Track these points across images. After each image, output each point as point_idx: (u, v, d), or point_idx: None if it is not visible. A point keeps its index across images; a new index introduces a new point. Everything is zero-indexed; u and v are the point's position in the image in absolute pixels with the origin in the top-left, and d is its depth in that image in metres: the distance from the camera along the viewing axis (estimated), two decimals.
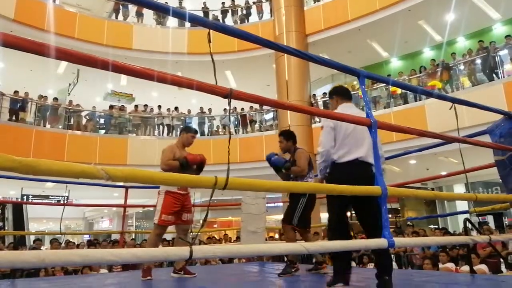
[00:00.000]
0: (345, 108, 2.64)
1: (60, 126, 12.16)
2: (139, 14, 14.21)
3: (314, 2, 13.79)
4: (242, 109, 13.68)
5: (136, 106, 14.20)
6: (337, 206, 2.68)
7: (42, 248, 8.37)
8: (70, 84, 14.35)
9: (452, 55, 11.32)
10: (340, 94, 2.88)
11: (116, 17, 14.35)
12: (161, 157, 3.67)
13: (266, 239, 6.30)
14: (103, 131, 12.98)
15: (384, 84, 10.93)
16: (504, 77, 9.66)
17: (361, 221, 2.70)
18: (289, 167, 3.73)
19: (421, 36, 12.85)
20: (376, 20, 11.88)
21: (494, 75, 9.84)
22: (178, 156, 3.63)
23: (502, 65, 9.90)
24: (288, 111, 10.37)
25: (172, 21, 14.06)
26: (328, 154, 2.69)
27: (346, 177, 2.49)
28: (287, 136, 3.91)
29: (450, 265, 6.30)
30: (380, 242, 1.59)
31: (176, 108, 14.06)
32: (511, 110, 3.12)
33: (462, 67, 10.90)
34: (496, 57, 9.91)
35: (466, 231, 3.87)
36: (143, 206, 18.31)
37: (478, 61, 10.38)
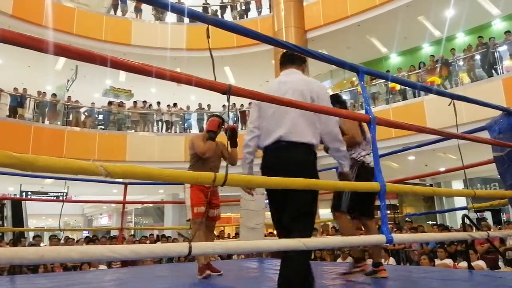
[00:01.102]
0: (283, 77, 2.27)
1: (59, 123, 12.13)
2: (138, 10, 14.15)
3: None
4: (242, 105, 13.66)
5: (135, 102, 14.17)
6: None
7: (41, 244, 8.38)
8: (68, 80, 14.31)
9: (451, 51, 11.31)
10: (281, 63, 2.40)
11: (115, 13, 14.29)
12: (195, 146, 3.49)
13: (265, 235, 6.32)
14: (102, 127, 12.96)
15: (383, 80, 10.92)
16: (503, 73, 9.66)
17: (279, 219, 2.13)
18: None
19: (420, 32, 12.82)
20: (376, 16, 11.85)
21: (493, 71, 9.84)
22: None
23: (501, 61, 9.89)
24: None
25: (171, 17, 14.01)
26: (250, 138, 2.23)
27: (269, 165, 2.10)
28: (333, 100, 3.28)
29: (448, 261, 6.33)
30: (378, 238, 1.59)
31: (175, 104, 14.04)
32: (510, 106, 3.12)
33: (461, 63, 10.89)
34: (495, 53, 9.90)
35: (464, 227, 3.89)
36: (142, 203, 18.31)
37: (477, 57, 10.36)
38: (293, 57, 2.33)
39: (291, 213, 1.98)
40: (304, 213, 1.98)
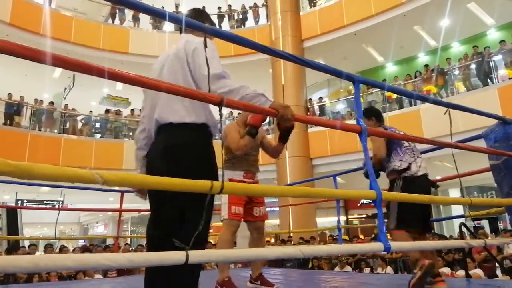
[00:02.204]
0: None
1: (56, 131, 12.12)
2: (136, 19, 14.24)
3: (310, 7, 13.90)
4: (239, 113, 13.70)
5: (132, 110, 14.18)
6: None
7: (36, 253, 8.31)
8: (65, 88, 14.33)
9: (447, 60, 11.42)
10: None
11: (113, 21, 14.38)
12: (228, 140, 2.98)
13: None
14: (98, 135, 12.95)
15: (380, 89, 10.98)
16: (498, 82, 9.75)
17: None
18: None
19: (416, 41, 12.95)
20: (372, 25, 11.97)
21: (488, 80, 9.93)
22: (242, 133, 2.97)
23: (496, 70, 10.00)
24: None
25: (168, 26, 14.09)
26: (139, 130, 1.91)
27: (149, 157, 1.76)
28: (368, 113, 3.11)
29: (446, 270, 6.31)
30: (376, 246, 1.59)
31: None
32: (505, 115, 3.14)
33: (457, 72, 11.00)
34: (491, 62, 10.01)
35: (461, 235, 3.89)
36: (139, 211, 18.21)
37: (473, 66, 10.47)
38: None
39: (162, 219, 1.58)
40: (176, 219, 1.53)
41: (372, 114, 3.15)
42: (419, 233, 2.91)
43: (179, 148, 1.59)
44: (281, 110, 1.57)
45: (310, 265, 7.80)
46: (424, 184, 2.92)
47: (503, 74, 9.89)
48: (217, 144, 1.70)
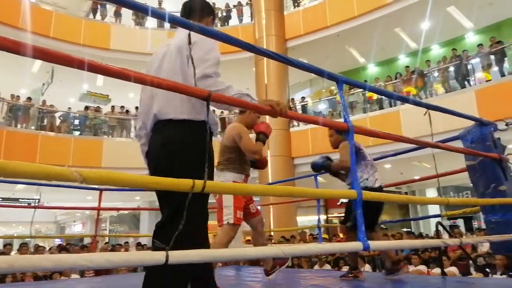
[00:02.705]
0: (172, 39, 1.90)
1: (33, 127, 11.81)
2: (118, 14, 14.01)
3: (294, 7, 13.95)
4: (222, 112, 13.65)
5: (112, 107, 13.96)
6: None
7: (12, 253, 8.09)
8: (44, 84, 13.99)
9: (426, 62, 11.64)
10: None
11: (94, 17, 14.10)
12: (243, 143, 2.91)
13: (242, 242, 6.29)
14: (77, 133, 12.69)
15: (361, 90, 11.13)
16: (475, 84, 10.01)
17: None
18: (329, 164, 3.30)
19: (397, 43, 13.16)
20: (354, 27, 12.11)
21: (466, 83, 10.18)
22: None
23: (474, 73, 10.26)
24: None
25: (151, 22, 13.92)
26: (139, 127, 1.89)
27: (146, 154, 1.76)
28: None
29: (422, 268, 6.45)
30: (355, 246, 1.61)
31: None
32: (482, 116, 3.22)
33: (436, 74, 11.23)
34: (468, 65, 10.26)
35: (438, 234, 3.97)
36: (118, 210, 17.98)
37: (451, 68, 10.71)
38: (190, 12, 1.92)
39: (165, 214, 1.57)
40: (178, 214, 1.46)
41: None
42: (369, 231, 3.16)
43: (179, 145, 1.57)
44: (274, 104, 1.62)
45: (290, 264, 7.85)
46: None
47: (480, 77, 10.15)
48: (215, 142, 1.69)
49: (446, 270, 4.66)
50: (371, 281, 3.34)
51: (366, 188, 3.08)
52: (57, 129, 12.17)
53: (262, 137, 2.82)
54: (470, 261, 6.15)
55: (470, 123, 3.14)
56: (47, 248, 9.99)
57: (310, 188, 1.75)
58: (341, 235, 11.80)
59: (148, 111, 1.72)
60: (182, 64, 1.67)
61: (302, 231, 11.12)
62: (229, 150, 3.01)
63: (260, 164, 3.15)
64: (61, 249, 8.85)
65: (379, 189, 3.25)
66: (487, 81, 9.78)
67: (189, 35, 1.57)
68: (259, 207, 3.32)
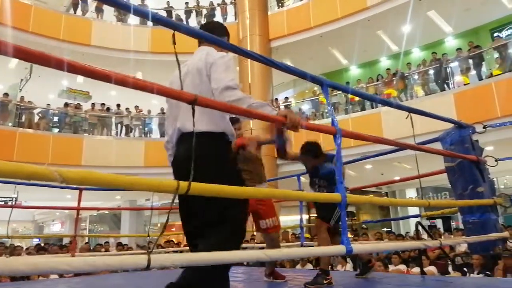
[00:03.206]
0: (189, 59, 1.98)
1: (10, 124, 11.50)
2: (99, 10, 13.76)
3: (278, 8, 13.99)
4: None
5: (93, 104, 13.71)
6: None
7: None
8: (22, 80, 13.65)
9: (407, 65, 11.85)
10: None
11: (75, 12, 13.82)
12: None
13: None
14: (56, 130, 12.42)
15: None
16: (454, 87, 10.23)
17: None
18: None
19: (379, 46, 13.35)
20: (337, 28, 12.22)
21: (445, 86, 10.40)
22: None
23: (453, 76, 10.50)
24: None
25: (133, 19, 13.72)
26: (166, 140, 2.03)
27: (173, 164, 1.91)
28: (314, 152, 3.20)
29: (402, 267, 6.56)
30: (338, 249, 1.62)
31: (136, 107, 13.69)
32: (460, 119, 3.29)
33: (416, 76, 11.44)
34: (448, 69, 10.49)
35: (417, 234, 4.05)
36: (98, 209, 17.68)
37: (431, 71, 10.93)
38: (208, 31, 1.88)
39: (196, 224, 1.72)
40: (212, 223, 1.65)
41: (318, 151, 3.21)
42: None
43: (200, 155, 1.59)
44: (290, 115, 1.70)
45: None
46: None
47: (459, 80, 10.39)
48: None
49: (425, 269, 4.75)
50: (352, 281, 3.37)
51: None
52: (35, 126, 11.88)
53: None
54: (449, 261, 6.29)
55: (449, 125, 3.20)
56: (24, 248, 9.75)
57: (294, 191, 1.75)
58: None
59: (173, 124, 1.87)
60: (201, 82, 1.80)
61: (285, 230, 11.15)
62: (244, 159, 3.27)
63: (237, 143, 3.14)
64: (39, 249, 8.64)
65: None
66: (465, 84, 10.02)
67: (173, 35, 1.57)
68: None
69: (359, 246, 1.69)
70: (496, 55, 10.07)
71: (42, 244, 10.03)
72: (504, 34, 11.93)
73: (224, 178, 1.57)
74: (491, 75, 9.64)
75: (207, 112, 1.67)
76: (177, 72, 1.86)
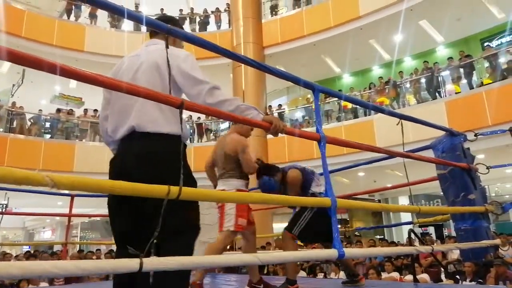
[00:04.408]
0: (139, 50, 1.87)
1: (1, 129, 11.38)
2: (93, 16, 13.75)
3: (272, 16, 14.09)
4: (199, 118, 13.56)
5: (85, 110, 13.63)
6: None
7: None
8: (14, 85, 13.54)
9: (399, 73, 11.97)
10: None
11: (68, 18, 13.79)
12: (245, 157, 3.04)
13: None
14: (48, 136, 12.31)
15: (337, 99, 11.31)
16: (446, 96, 10.34)
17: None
18: (280, 192, 3.17)
19: (371, 54, 13.48)
20: (330, 37, 12.33)
21: (437, 94, 10.51)
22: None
23: (444, 84, 10.62)
24: None
25: (127, 25, 13.74)
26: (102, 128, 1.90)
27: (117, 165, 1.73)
28: (269, 172, 3.17)
29: (395, 274, 6.56)
30: (330, 253, 1.62)
31: None
32: (452, 127, 3.32)
33: (408, 85, 11.55)
34: (439, 77, 10.61)
35: (410, 241, 4.06)
36: (90, 216, 17.48)
37: (423, 80, 11.05)
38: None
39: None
40: (176, 230, 1.50)
41: (274, 170, 3.17)
42: (325, 244, 3.18)
43: (158, 157, 1.56)
44: (275, 122, 1.70)
45: (265, 271, 7.82)
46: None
47: (450, 89, 10.50)
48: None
49: (418, 277, 4.75)
50: None
51: (313, 194, 3.07)
52: (27, 132, 11.77)
53: (260, 162, 3.12)
54: (441, 268, 6.31)
55: (440, 133, 3.23)
56: (14, 255, 9.61)
57: (284, 196, 1.75)
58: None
59: (120, 118, 1.68)
60: (162, 80, 1.64)
61: (278, 237, 11.13)
62: (233, 160, 3.09)
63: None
64: (29, 256, 8.52)
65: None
66: (456, 93, 10.13)
67: (166, 39, 1.57)
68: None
69: (351, 250, 1.69)
70: (487, 64, 10.22)
71: (32, 251, 9.89)
72: (494, 43, 12.10)
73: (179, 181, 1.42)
74: (481, 84, 9.77)
75: (167, 110, 1.58)
76: (122, 65, 1.83)
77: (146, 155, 1.55)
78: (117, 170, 1.67)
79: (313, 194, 3.07)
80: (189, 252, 1.50)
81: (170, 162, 1.51)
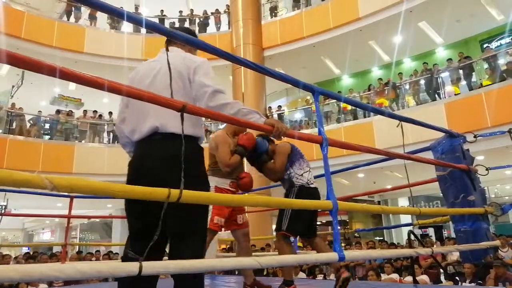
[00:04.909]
0: (157, 56, 1.91)
1: (1, 130, 11.37)
2: (92, 17, 13.76)
3: (271, 17, 14.10)
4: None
5: (85, 111, 13.63)
6: None
7: None
8: (13, 86, 13.54)
9: (399, 75, 11.98)
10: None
11: (68, 19, 13.80)
12: (218, 153, 2.93)
13: (217, 251, 6.22)
14: (47, 137, 12.30)
15: (335, 100, 11.31)
16: (445, 97, 10.35)
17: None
18: (266, 160, 3.07)
19: (371, 56, 13.49)
20: (330, 38, 12.34)
21: (436, 95, 10.52)
22: (232, 147, 2.93)
23: (444, 86, 10.62)
24: None
25: (127, 27, 13.75)
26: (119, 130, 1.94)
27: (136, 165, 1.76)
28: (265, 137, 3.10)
29: (395, 276, 6.56)
30: (330, 256, 1.62)
31: None
32: (451, 128, 3.32)
33: (407, 86, 11.56)
34: (439, 79, 10.62)
35: (410, 243, 4.05)
36: (89, 217, 17.48)
37: (422, 81, 11.05)
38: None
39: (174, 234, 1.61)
40: (185, 233, 1.60)
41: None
42: (307, 238, 3.12)
43: (181, 159, 1.56)
44: (277, 125, 1.74)
45: (265, 272, 7.82)
46: (316, 194, 3.06)
47: (449, 90, 10.51)
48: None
49: (417, 278, 4.75)
50: None
51: (302, 186, 3.00)
52: (26, 133, 11.76)
53: (240, 149, 2.85)
54: (441, 270, 6.30)
55: (440, 134, 3.23)
56: (13, 257, 9.59)
57: (287, 199, 1.75)
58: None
59: (142, 121, 1.72)
60: (184, 86, 1.73)
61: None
62: (212, 156, 3.05)
63: (243, 184, 3.03)
64: (28, 258, 8.51)
65: (316, 189, 3.09)
66: (456, 94, 10.14)
67: (166, 42, 1.60)
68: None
69: (351, 253, 1.69)
70: (486, 65, 10.22)
71: (32, 253, 9.87)
72: (493, 45, 12.12)
73: (200, 184, 1.53)
74: (481, 86, 9.77)
75: (189, 116, 1.61)
76: (140, 70, 1.86)
77: (172, 157, 1.55)
78: (138, 172, 1.71)
79: (289, 177, 3.04)
80: (200, 253, 1.59)
81: (192, 163, 1.58)
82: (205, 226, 1.70)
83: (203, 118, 1.75)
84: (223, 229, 3.06)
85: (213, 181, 2.91)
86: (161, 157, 1.62)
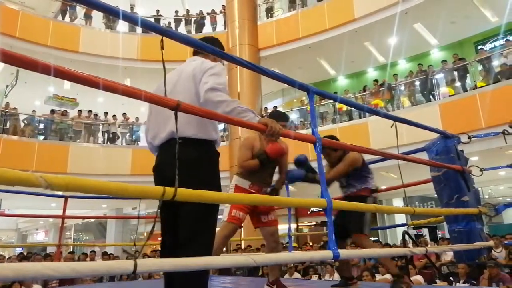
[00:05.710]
0: (181, 65, 2.04)
1: None
2: (88, 17, 13.70)
3: (267, 18, 14.11)
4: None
5: (79, 111, 13.56)
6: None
7: None
8: (7, 86, 13.45)
9: (394, 76, 12.03)
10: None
11: (63, 18, 13.73)
12: (238, 154, 3.19)
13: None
14: (42, 137, 12.23)
15: (331, 101, 11.34)
16: (440, 98, 10.41)
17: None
18: (311, 177, 3.01)
19: (366, 57, 13.53)
20: (325, 39, 12.36)
21: (431, 97, 10.57)
22: (257, 150, 3.07)
23: (438, 87, 10.68)
24: None
25: (122, 26, 13.70)
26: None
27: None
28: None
29: (389, 276, 6.57)
30: (325, 254, 1.62)
31: (124, 115, 13.59)
32: (446, 129, 3.34)
33: (402, 87, 11.61)
34: (433, 80, 10.68)
35: (404, 243, 4.07)
36: (84, 218, 17.40)
37: (417, 83, 11.11)
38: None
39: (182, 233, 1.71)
40: (197, 231, 1.69)
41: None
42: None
43: (197, 162, 1.73)
44: (271, 124, 1.77)
45: (260, 273, 7.81)
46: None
47: (444, 92, 10.57)
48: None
49: (412, 278, 4.77)
50: None
51: (376, 198, 3.26)
52: (20, 133, 11.68)
53: (260, 155, 3.02)
54: (435, 270, 6.33)
55: (434, 135, 3.25)
56: (7, 257, 9.52)
57: (282, 197, 1.76)
58: (310, 244, 11.90)
59: (162, 127, 1.84)
60: (196, 88, 1.84)
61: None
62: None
63: (269, 151, 3.06)
64: (21, 258, 8.45)
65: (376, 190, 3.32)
66: (450, 95, 10.20)
67: (161, 41, 1.60)
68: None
69: (346, 252, 1.70)
70: (480, 67, 10.29)
71: (25, 253, 9.81)
72: (487, 47, 12.20)
73: (209, 187, 1.56)
74: (475, 87, 9.84)
75: (204, 120, 1.72)
76: (170, 77, 1.94)
77: (183, 161, 1.56)
78: (160, 176, 1.82)
79: (366, 188, 3.20)
80: (208, 251, 1.67)
81: (203, 167, 1.73)
82: (208, 237, 1.75)
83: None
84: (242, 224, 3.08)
85: (237, 180, 3.13)
86: (172, 161, 1.66)
